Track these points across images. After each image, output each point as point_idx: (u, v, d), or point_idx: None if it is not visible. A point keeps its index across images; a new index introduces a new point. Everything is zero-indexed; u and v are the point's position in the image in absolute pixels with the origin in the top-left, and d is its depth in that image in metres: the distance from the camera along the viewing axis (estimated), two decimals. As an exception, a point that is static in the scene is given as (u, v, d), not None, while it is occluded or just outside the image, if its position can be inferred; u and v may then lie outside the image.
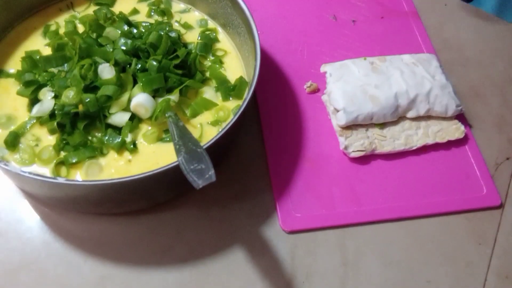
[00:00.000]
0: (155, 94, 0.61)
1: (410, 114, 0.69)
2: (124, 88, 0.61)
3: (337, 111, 0.68)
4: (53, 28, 0.69)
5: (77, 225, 0.60)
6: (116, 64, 0.61)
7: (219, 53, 0.70)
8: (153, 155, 0.60)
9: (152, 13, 0.73)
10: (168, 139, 0.61)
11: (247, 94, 0.57)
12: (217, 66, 0.68)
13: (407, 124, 0.69)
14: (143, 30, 0.68)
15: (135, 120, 0.61)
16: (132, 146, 0.60)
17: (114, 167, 0.59)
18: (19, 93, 0.62)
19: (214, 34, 0.72)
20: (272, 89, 0.73)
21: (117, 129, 0.60)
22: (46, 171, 0.58)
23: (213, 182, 0.44)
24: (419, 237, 0.63)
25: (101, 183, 0.50)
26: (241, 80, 0.66)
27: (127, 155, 0.60)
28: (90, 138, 0.60)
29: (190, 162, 0.46)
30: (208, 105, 0.64)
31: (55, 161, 0.58)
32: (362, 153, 0.66)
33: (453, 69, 0.80)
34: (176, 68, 0.63)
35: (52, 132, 0.60)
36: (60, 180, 0.50)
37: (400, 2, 0.87)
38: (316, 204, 0.64)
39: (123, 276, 0.57)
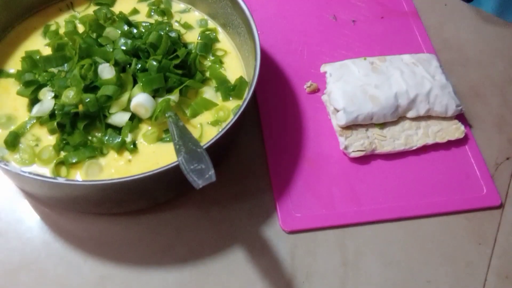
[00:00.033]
0: (155, 94, 0.61)
1: (410, 114, 0.69)
2: (124, 88, 0.61)
3: (337, 111, 0.68)
4: (53, 28, 0.69)
5: (77, 225, 0.60)
6: (116, 64, 0.61)
7: (219, 53, 0.70)
8: (153, 155, 0.60)
9: (152, 13, 0.73)
10: (168, 139, 0.61)
11: (247, 94, 0.57)
12: (217, 66, 0.68)
13: (407, 124, 0.69)
14: (143, 30, 0.68)
15: (135, 120, 0.61)
16: (132, 146, 0.60)
17: (114, 167, 0.59)
18: (19, 93, 0.62)
19: (214, 34, 0.72)
20: (272, 89, 0.73)
21: (117, 129, 0.60)
22: (46, 171, 0.58)
23: (213, 182, 0.44)
24: (419, 237, 0.63)
25: (101, 183, 0.50)
26: (241, 80, 0.66)
27: (127, 155, 0.60)
28: (90, 138, 0.60)
29: (190, 162, 0.46)
30: (208, 105, 0.64)
31: (55, 161, 0.58)
32: (362, 153, 0.66)
33: (453, 69, 0.80)
34: (176, 68, 0.63)
35: (52, 132, 0.60)
36: (60, 180, 0.50)
37: (400, 2, 0.87)
38: (316, 204, 0.64)
39: (123, 276, 0.58)
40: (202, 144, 0.50)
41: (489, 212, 0.66)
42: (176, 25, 0.72)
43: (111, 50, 0.63)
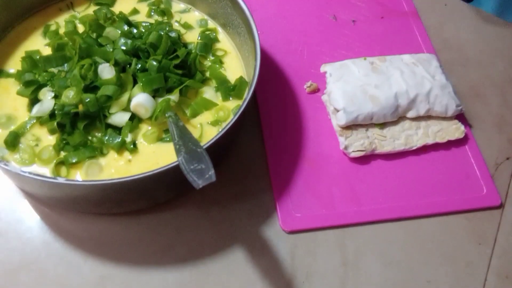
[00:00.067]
0: (155, 94, 0.61)
1: (410, 114, 0.69)
2: (124, 88, 0.61)
3: (337, 111, 0.68)
4: (53, 28, 0.69)
5: (77, 225, 0.60)
6: (116, 64, 0.61)
7: (219, 53, 0.70)
8: (153, 155, 0.60)
9: (152, 13, 0.73)
10: (168, 139, 0.61)
11: (247, 94, 0.57)
12: (217, 66, 0.68)
13: (407, 124, 0.69)
14: (143, 30, 0.68)
15: (135, 120, 0.61)
16: (132, 146, 0.60)
17: (114, 167, 0.59)
18: (19, 93, 0.62)
19: (214, 34, 0.72)
20: (272, 89, 0.73)
21: (117, 129, 0.60)
22: (46, 171, 0.58)
23: (213, 182, 0.44)
24: (419, 237, 0.63)
25: (101, 183, 0.50)
26: (241, 80, 0.66)
27: (127, 155, 0.60)
28: (90, 138, 0.60)
29: (190, 162, 0.46)
30: (208, 105, 0.64)
31: (55, 161, 0.58)
32: (362, 153, 0.66)
33: (453, 69, 0.80)
34: (176, 68, 0.63)
35: (52, 132, 0.60)
36: (60, 180, 0.50)
37: (400, 2, 0.87)
38: (316, 204, 0.64)
39: (123, 276, 0.58)
40: (202, 144, 0.50)
41: (489, 212, 0.66)
42: (176, 25, 0.72)
43: (111, 50, 0.63)
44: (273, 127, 0.69)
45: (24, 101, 0.62)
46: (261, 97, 0.72)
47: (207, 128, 0.63)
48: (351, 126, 0.68)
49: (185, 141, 0.51)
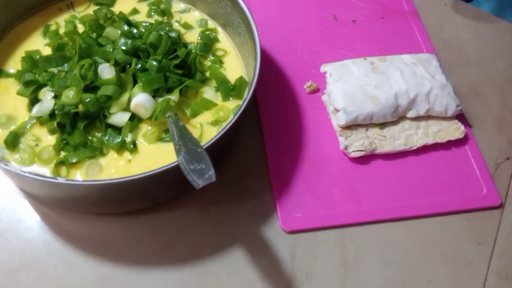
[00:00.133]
0: (155, 94, 0.61)
1: (410, 114, 0.69)
2: (124, 88, 0.61)
3: (337, 111, 0.68)
4: (53, 28, 0.69)
5: (77, 225, 0.60)
6: (116, 64, 0.61)
7: (219, 53, 0.70)
8: (153, 155, 0.60)
9: (152, 13, 0.73)
10: (168, 139, 0.61)
11: (247, 94, 0.57)
12: (217, 66, 0.68)
13: (407, 124, 0.69)
14: (143, 30, 0.68)
15: (135, 120, 0.61)
16: (132, 146, 0.60)
17: (114, 167, 0.59)
18: (19, 93, 0.62)
19: (214, 34, 0.72)
20: (272, 89, 0.73)
21: (117, 129, 0.60)
22: (46, 171, 0.58)
23: (213, 182, 0.44)
24: (419, 237, 0.63)
25: (101, 183, 0.50)
26: (241, 80, 0.66)
27: (127, 155, 0.60)
28: (90, 138, 0.60)
29: (190, 162, 0.46)
30: (208, 105, 0.64)
31: (55, 161, 0.58)
32: (362, 153, 0.66)
33: (453, 69, 0.80)
34: (176, 68, 0.63)
35: (52, 132, 0.60)
36: (60, 180, 0.50)
37: (400, 2, 0.87)
38: (316, 204, 0.64)
39: (123, 276, 0.58)
40: (202, 144, 0.50)
41: (489, 212, 0.66)
42: (176, 25, 0.72)
43: (111, 50, 0.63)
44: (273, 127, 0.69)
45: (24, 101, 0.62)
46: (261, 97, 0.72)
47: (207, 128, 0.63)
48: (351, 126, 0.68)
49: (185, 141, 0.51)
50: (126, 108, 0.60)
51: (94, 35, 0.65)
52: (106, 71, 0.60)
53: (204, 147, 0.49)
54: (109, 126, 0.60)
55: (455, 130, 0.70)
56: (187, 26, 0.72)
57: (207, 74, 0.67)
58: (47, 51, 0.67)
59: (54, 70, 0.63)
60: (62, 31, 0.69)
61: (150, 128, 0.61)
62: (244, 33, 0.66)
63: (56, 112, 0.59)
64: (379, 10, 0.86)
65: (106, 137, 0.59)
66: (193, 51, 0.68)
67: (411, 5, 0.87)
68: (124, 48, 0.63)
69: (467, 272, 0.61)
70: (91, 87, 0.60)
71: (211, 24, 0.73)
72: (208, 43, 0.70)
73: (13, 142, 0.59)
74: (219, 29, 0.73)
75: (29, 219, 0.61)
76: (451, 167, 0.68)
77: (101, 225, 0.60)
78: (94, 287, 0.57)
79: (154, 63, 0.61)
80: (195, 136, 0.54)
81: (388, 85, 0.68)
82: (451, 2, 0.89)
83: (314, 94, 0.74)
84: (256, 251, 0.60)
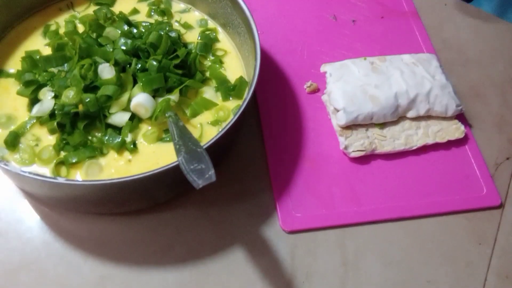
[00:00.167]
0: (155, 94, 0.61)
1: (410, 114, 0.69)
2: (124, 88, 0.61)
3: (337, 111, 0.68)
4: (53, 28, 0.69)
5: (77, 225, 0.60)
6: (116, 64, 0.61)
7: (219, 53, 0.70)
8: (153, 155, 0.60)
9: (152, 13, 0.73)
10: (168, 139, 0.61)
11: (247, 94, 0.57)
12: (217, 66, 0.68)
13: (407, 124, 0.69)
14: (143, 30, 0.68)
15: (135, 120, 0.61)
16: (132, 146, 0.60)
17: (114, 167, 0.59)
18: (19, 93, 0.61)
19: (214, 34, 0.72)
20: (272, 89, 0.73)
21: (117, 129, 0.60)
22: (46, 171, 0.58)
23: (213, 182, 0.44)
24: (419, 237, 0.63)
25: (101, 183, 0.50)
26: (241, 80, 0.66)
27: (127, 155, 0.60)
28: (90, 138, 0.60)
29: (190, 162, 0.46)
30: (208, 105, 0.64)
31: (55, 161, 0.58)
32: (362, 153, 0.66)
33: (453, 69, 0.80)
34: (176, 68, 0.63)
35: (52, 132, 0.60)
36: (60, 180, 0.50)
37: (400, 2, 0.87)
38: (316, 204, 0.64)
39: (123, 276, 0.58)
40: (202, 144, 0.50)
41: (489, 212, 0.66)
42: (176, 25, 0.72)
43: (111, 50, 0.63)
44: (273, 127, 0.69)
45: (24, 101, 0.62)
46: (261, 97, 0.72)
47: (207, 128, 0.63)
48: (351, 126, 0.68)
49: (185, 141, 0.51)
50: (126, 108, 0.60)
51: (94, 35, 0.65)
52: (106, 71, 0.60)
53: (204, 147, 0.49)
54: (109, 126, 0.60)
55: (455, 130, 0.70)
56: (187, 26, 0.72)
57: (207, 74, 0.67)
58: (47, 51, 0.67)
59: (54, 70, 0.63)
60: (62, 31, 0.69)
61: (150, 128, 0.61)
62: (244, 33, 0.66)
63: (56, 112, 0.59)
64: (379, 10, 0.86)
65: (106, 137, 0.59)
66: (193, 51, 0.68)
67: (411, 5, 0.87)
68: (124, 48, 0.63)
69: (467, 272, 0.61)
70: (91, 87, 0.60)
71: (211, 24, 0.73)
72: (208, 43, 0.70)
73: (13, 142, 0.59)
74: (219, 29, 0.73)
75: (29, 219, 0.61)
76: (451, 167, 0.68)
77: (101, 225, 0.60)
78: (94, 287, 0.57)
79: (154, 63, 0.61)
80: (195, 136, 0.54)
81: (388, 85, 0.68)
82: (451, 2, 0.89)
83: (314, 94, 0.74)
84: (256, 251, 0.60)
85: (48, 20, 0.70)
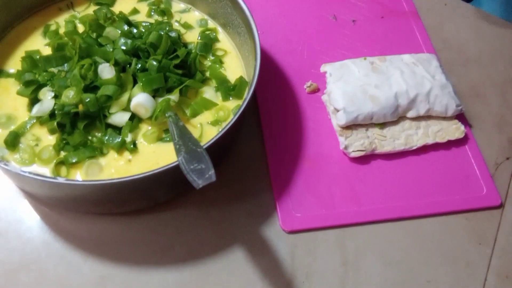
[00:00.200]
0: (155, 94, 0.61)
1: (410, 114, 0.69)
2: (124, 88, 0.61)
3: (337, 111, 0.68)
4: (53, 28, 0.69)
5: (77, 225, 0.60)
6: (116, 64, 0.61)
7: (219, 53, 0.70)
8: (153, 155, 0.60)
9: (152, 13, 0.73)
10: (168, 139, 0.61)
11: (247, 94, 0.57)
12: (217, 66, 0.68)
13: (407, 124, 0.69)
14: (143, 30, 0.68)
15: (135, 120, 0.61)
16: (132, 146, 0.60)
17: (114, 167, 0.59)
18: (19, 93, 0.61)
19: (214, 34, 0.72)
20: (272, 89, 0.73)
21: (117, 129, 0.60)
22: (46, 171, 0.58)
23: (213, 182, 0.44)
24: (419, 237, 0.63)
25: (101, 183, 0.50)
26: (241, 80, 0.66)
27: (127, 155, 0.60)
28: (90, 138, 0.60)
29: (190, 162, 0.46)
30: (208, 105, 0.64)
31: (55, 161, 0.58)
32: (362, 153, 0.66)
33: (453, 69, 0.80)
34: (176, 68, 0.63)
35: (52, 132, 0.60)
36: (60, 180, 0.50)
37: (400, 2, 0.87)
38: (316, 204, 0.64)
39: (123, 276, 0.57)
40: (202, 144, 0.50)
41: (489, 212, 0.66)
42: (176, 25, 0.72)
43: (111, 50, 0.63)
44: (273, 127, 0.69)
45: (24, 101, 0.62)
46: (261, 97, 0.72)
47: (207, 128, 0.63)
48: (351, 126, 0.68)
49: (185, 141, 0.51)
50: (126, 108, 0.60)
51: (94, 35, 0.65)
52: (106, 71, 0.60)
53: (204, 147, 0.49)
54: (109, 126, 0.60)
55: (455, 130, 0.70)
56: (187, 26, 0.72)
57: (207, 74, 0.67)
58: (47, 51, 0.67)
59: (54, 70, 0.63)
60: (62, 31, 0.69)
61: (150, 128, 0.61)
62: (244, 33, 0.66)
63: (56, 112, 0.59)
64: (379, 10, 0.86)
65: (106, 137, 0.59)
66: (193, 51, 0.68)
67: (411, 5, 0.87)
68: (124, 48, 0.63)
69: (467, 272, 0.61)
70: (91, 87, 0.60)
71: (211, 24, 0.73)
72: (208, 43, 0.70)
73: (13, 142, 0.59)
74: (219, 29, 0.73)
75: (29, 219, 0.61)
76: (451, 167, 0.68)
77: (101, 225, 0.60)
78: (94, 287, 0.57)
79: (154, 63, 0.61)
80: (195, 136, 0.54)
81: (388, 85, 0.68)
82: (451, 2, 0.89)
83: (314, 94, 0.74)
84: (256, 251, 0.60)
85: (48, 20, 0.70)
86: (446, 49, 0.82)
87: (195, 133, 0.61)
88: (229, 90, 0.65)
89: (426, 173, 0.68)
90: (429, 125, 0.70)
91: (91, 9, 0.71)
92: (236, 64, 0.69)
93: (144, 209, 0.61)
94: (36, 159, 0.58)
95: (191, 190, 0.59)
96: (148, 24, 0.69)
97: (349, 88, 0.68)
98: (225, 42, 0.72)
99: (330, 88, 0.70)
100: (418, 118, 0.70)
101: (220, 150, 0.62)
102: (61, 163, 0.58)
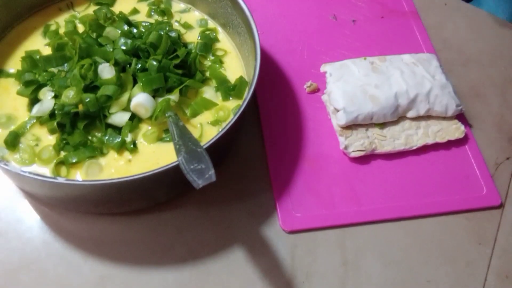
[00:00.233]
0: (155, 94, 0.61)
1: (410, 114, 0.69)
2: (124, 88, 0.61)
3: (337, 111, 0.68)
4: (53, 28, 0.69)
5: (77, 225, 0.60)
6: (116, 64, 0.61)
7: (219, 53, 0.70)
8: (153, 155, 0.60)
9: (152, 13, 0.73)
10: (168, 139, 0.61)
11: (247, 94, 0.57)
12: (217, 66, 0.68)
13: (407, 124, 0.69)
14: (143, 30, 0.68)
15: (135, 120, 0.61)
16: (132, 146, 0.59)
17: (114, 167, 0.59)
18: (19, 93, 0.61)
19: (214, 34, 0.72)
20: (272, 89, 0.73)
21: (117, 129, 0.60)
22: (46, 171, 0.58)
23: (213, 182, 0.44)
24: (419, 237, 0.63)
25: (101, 183, 0.50)
26: (241, 80, 0.66)
27: (127, 155, 0.60)
28: (90, 138, 0.60)
29: (190, 162, 0.46)
30: (208, 105, 0.64)
31: (55, 161, 0.58)
32: (362, 153, 0.66)
33: (453, 69, 0.80)
34: (176, 68, 0.63)
35: (52, 132, 0.60)
36: (60, 180, 0.50)
37: (400, 2, 0.87)
38: (316, 204, 0.64)
39: (123, 276, 0.57)
40: (202, 144, 0.50)
41: (489, 212, 0.66)
42: (176, 25, 0.72)
43: (111, 50, 0.63)
44: (273, 127, 0.69)
45: (24, 101, 0.62)
46: (261, 97, 0.72)
47: (207, 128, 0.63)
48: (351, 126, 0.68)
49: (185, 141, 0.51)
50: (126, 108, 0.60)
51: (94, 35, 0.65)
52: (106, 71, 0.60)
53: (204, 147, 0.49)
54: (109, 126, 0.60)
55: (455, 130, 0.70)
56: (187, 26, 0.72)
57: (207, 74, 0.67)
58: (47, 51, 0.66)
59: (54, 70, 0.63)
60: (62, 31, 0.69)
61: (150, 128, 0.61)
62: (244, 33, 0.66)
63: (56, 112, 0.59)
64: (379, 10, 0.86)
65: (106, 137, 0.59)
66: (193, 51, 0.68)
67: (411, 5, 0.87)
68: (124, 48, 0.63)
69: (467, 272, 0.61)
70: (91, 87, 0.60)
71: (211, 24, 0.73)
72: (208, 43, 0.70)
73: (13, 142, 0.59)
74: (219, 29, 0.73)
75: (29, 219, 0.61)
76: (451, 167, 0.68)
77: (101, 225, 0.60)
78: (94, 287, 0.57)
79: (154, 63, 0.61)
80: (195, 136, 0.54)
81: (388, 85, 0.68)
82: (451, 2, 0.89)
83: (314, 94, 0.74)
84: (256, 251, 0.60)
85: (48, 20, 0.70)
86: (446, 49, 0.82)
87: (195, 133, 0.61)
88: (229, 90, 0.65)
89: (426, 173, 0.68)
90: (429, 125, 0.70)
91: (91, 9, 0.71)
92: (236, 64, 0.69)
93: (144, 209, 0.61)
94: (36, 159, 0.58)
95: (191, 190, 0.59)
96: (148, 24, 0.69)
97: (349, 88, 0.68)
98: (225, 42, 0.72)
99: (330, 88, 0.70)
100: (418, 118, 0.70)
101: (220, 150, 0.62)
102: (61, 163, 0.58)
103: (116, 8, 0.72)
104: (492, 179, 0.68)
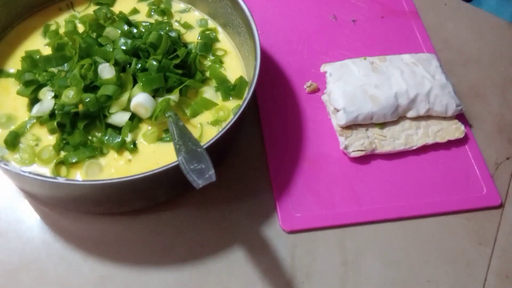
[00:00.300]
0: (155, 94, 0.61)
1: (410, 114, 0.69)
2: (124, 88, 0.61)
3: (337, 111, 0.68)
4: (53, 27, 0.69)
5: (77, 225, 0.60)
6: (116, 64, 0.61)
7: (219, 53, 0.70)
8: (153, 155, 0.60)
9: (152, 13, 0.73)
10: (168, 139, 0.61)
11: (247, 94, 0.57)
12: (217, 66, 0.68)
13: (407, 124, 0.69)
14: (143, 30, 0.68)
15: (135, 120, 0.61)
16: (132, 146, 0.60)
17: (114, 167, 0.59)
18: (19, 93, 0.61)
19: (214, 34, 0.72)
20: (272, 89, 0.73)
21: (117, 129, 0.60)
22: (46, 171, 0.58)
23: (213, 182, 0.44)
24: (419, 237, 0.63)
25: (101, 183, 0.50)
26: (241, 80, 0.66)
27: (127, 155, 0.60)
28: (90, 138, 0.60)
29: (190, 162, 0.46)
30: (208, 105, 0.64)
31: (55, 161, 0.58)
32: (362, 153, 0.66)
33: (453, 69, 0.80)
34: (176, 68, 0.63)
35: (52, 132, 0.60)
36: (60, 180, 0.50)
37: (400, 2, 0.87)
38: (316, 204, 0.64)
39: (123, 276, 0.57)
40: (202, 144, 0.50)
41: (489, 212, 0.66)
42: (176, 25, 0.72)
43: (111, 50, 0.63)
44: (273, 127, 0.69)
45: (24, 101, 0.62)
46: (261, 97, 0.72)
47: (207, 128, 0.63)
48: (351, 126, 0.68)
49: (185, 141, 0.51)
50: (126, 108, 0.60)
51: (94, 35, 0.65)
52: (106, 71, 0.60)
53: (204, 147, 0.49)
54: (109, 126, 0.60)
55: (455, 130, 0.70)
56: (187, 26, 0.72)
57: (207, 74, 0.67)
58: (47, 51, 0.66)
59: (54, 70, 0.63)
60: (62, 31, 0.69)
61: (150, 128, 0.61)
62: (244, 33, 0.66)
63: (56, 112, 0.59)
64: (379, 10, 0.86)
65: (106, 137, 0.59)
66: (193, 51, 0.68)
67: (411, 5, 0.87)
68: (124, 48, 0.63)
69: (467, 272, 0.61)
70: (91, 87, 0.60)
71: (211, 24, 0.73)
72: (208, 43, 0.70)
73: (13, 142, 0.59)
74: (219, 29, 0.73)
75: (29, 219, 0.61)
76: (451, 167, 0.68)
77: (101, 225, 0.60)
78: (94, 287, 0.57)
79: (154, 63, 0.61)
80: (195, 136, 0.54)
81: (388, 85, 0.68)
82: (451, 2, 0.89)
83: (314, 94, 0.74)
84: (256, 251, 0.60)
85: (48, 20, 0.70)
86: (446, 49, 0.82)
87: (195, 133, 0.61)
88: (229, 90, 0.65)
89: (426, 173, 0.68)
90: (429, 125, 0.70)
91: (91, 9, 0.71)
92: (236, 64, 0.69)
93: (144, 209, 0.61)
94: (36, 159, 0.58)
95: (191, 190, 0.59)
96: (148, 24, 0.69)
97: (349, 88, 0.68)
98: (225, 42, 0.72)
99: (330, 88, 0.70)
100: (418, 118, 0.70)
101: (220, 150, 0.62)
102: (61, 163, 0.58)
103: (116, 8, 0.72)
104: (492, 179, 0.68)
